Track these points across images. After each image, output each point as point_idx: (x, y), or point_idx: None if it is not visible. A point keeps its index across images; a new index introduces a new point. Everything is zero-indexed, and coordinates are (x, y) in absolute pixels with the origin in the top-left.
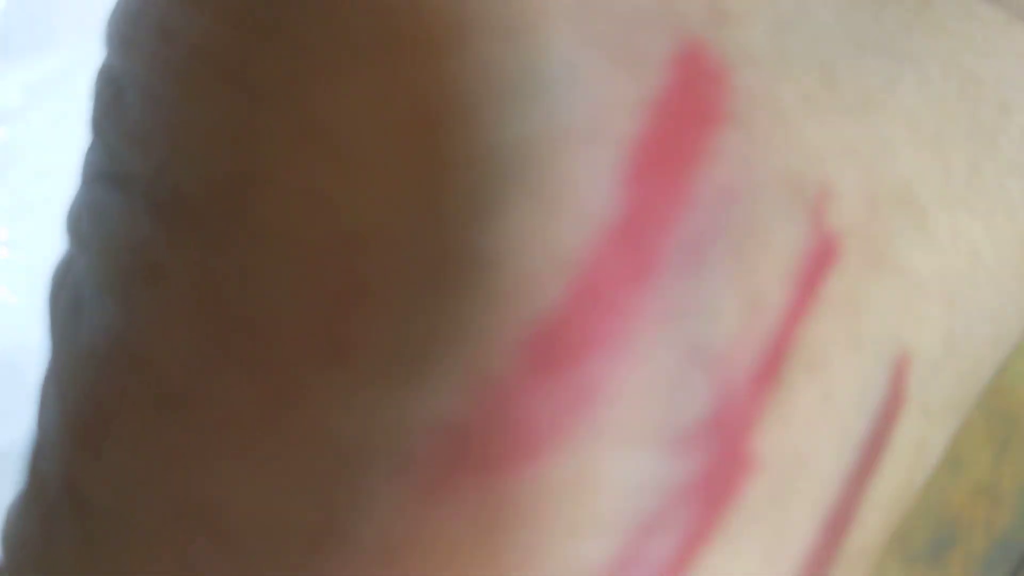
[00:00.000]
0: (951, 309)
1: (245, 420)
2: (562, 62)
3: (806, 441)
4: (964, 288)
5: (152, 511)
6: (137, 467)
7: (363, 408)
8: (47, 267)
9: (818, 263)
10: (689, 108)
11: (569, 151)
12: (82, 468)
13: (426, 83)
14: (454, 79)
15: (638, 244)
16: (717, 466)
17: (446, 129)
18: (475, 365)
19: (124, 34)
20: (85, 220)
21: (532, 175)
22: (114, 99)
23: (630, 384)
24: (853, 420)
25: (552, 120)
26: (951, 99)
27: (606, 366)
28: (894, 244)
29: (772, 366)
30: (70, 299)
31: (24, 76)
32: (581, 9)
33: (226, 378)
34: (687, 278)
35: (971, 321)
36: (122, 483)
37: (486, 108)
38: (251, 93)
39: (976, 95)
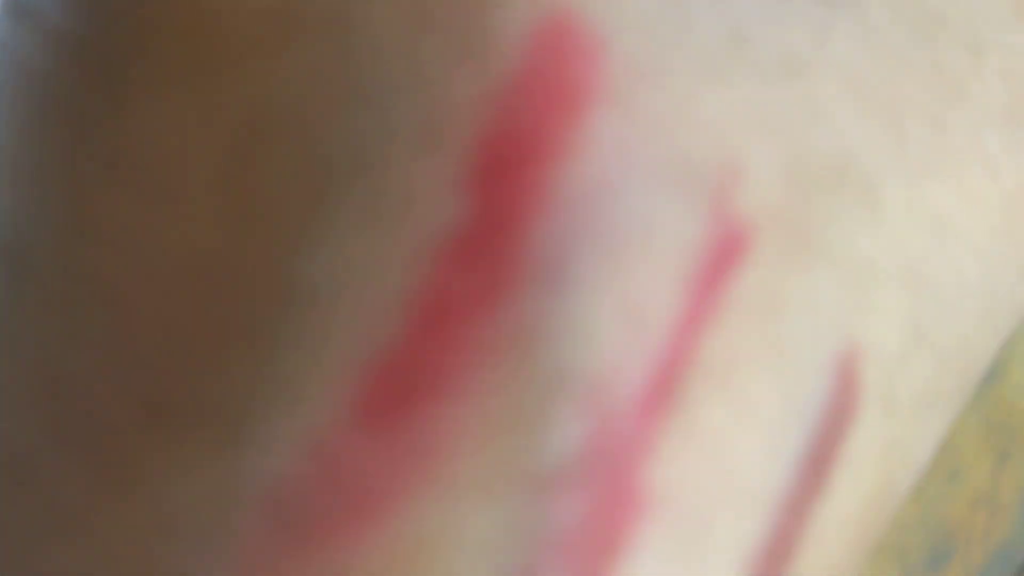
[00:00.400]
0: (915, 294)
1: (77, 498)
2: (396, 57)
3: (718, 468)
4: (931, 269)
5: None
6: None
7: (186, 478)
8: None
9: (721, 260)
10: (548, 93)
11: (404, 161)
12: None
13: (243, 97)
14: (275, 88)
15: (484, 259)
16: (601, 508)
17: (265, 148)
18: (301, 421)
19: None
20: None
21: (362, 192)
22: None
23: (480, 425)
24: (782, 436)
25: (385, 126)
26: (904, 47)
27: (450, 407)
28: (829, 228)
29: (664, 387)
30: None
31: None
32: None
33: (57, 454)
34: (547, 294)
35: (945, 304)
36: None
37: (310, 119)
38: (72, 128)
39: (937, 37)
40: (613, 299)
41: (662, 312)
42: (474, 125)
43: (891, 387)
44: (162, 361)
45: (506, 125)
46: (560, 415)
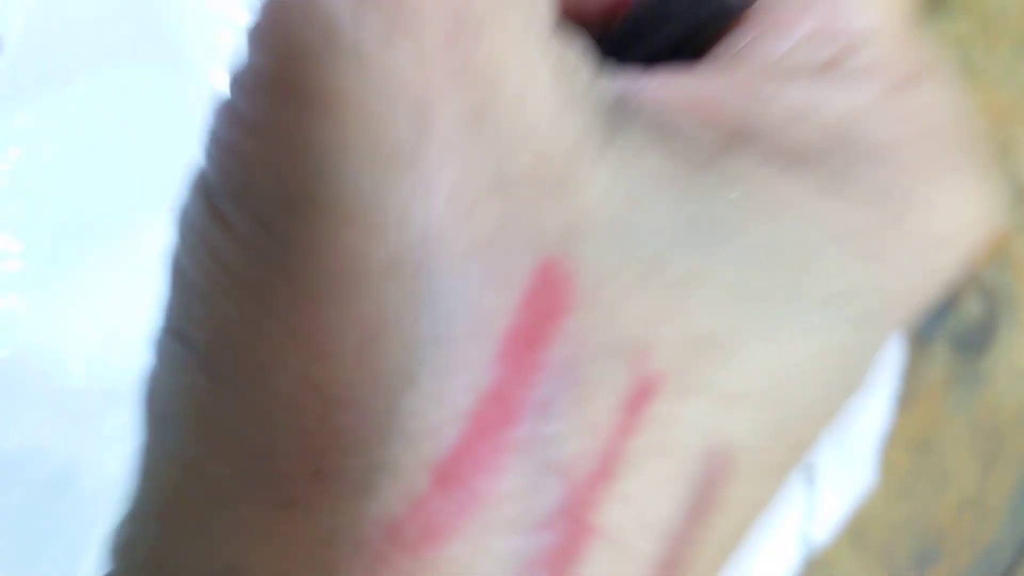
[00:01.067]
0: (766, 407)
1: (264, 518)
2: (454, 288)
3: (636, 515)
4: (776, 392)
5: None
6: (189, 546)
7: (335, 512)
8: (60, 279)
9: (639, 398)
10: (544, 306)
11: (459, 343)
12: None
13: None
14: (382, 314)
15: (507, 403)
16: (566, 539)
17: (388, 340)
18: (404, 484)
19: (177, 227)
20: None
21: (436, 361)
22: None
23: (502, 492)
24: (674, 496)
25: (448, 324)
26: (754, 266)
27: (486, 481)
28: (704, 374)
29: (606, 468)
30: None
31: (42, 103)
32: (471, 244)
33: (252, 490)
34: (541, 421)
35: (787, 412)
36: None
37: (408, 323)
38: (258, 301)
39: (777, 260)
40: (577, 421)
41: (605, 427)
42: (502, 323)
43: (757, 465)
44: (323, 446)
45: (521, 324)
46: (547, 485)
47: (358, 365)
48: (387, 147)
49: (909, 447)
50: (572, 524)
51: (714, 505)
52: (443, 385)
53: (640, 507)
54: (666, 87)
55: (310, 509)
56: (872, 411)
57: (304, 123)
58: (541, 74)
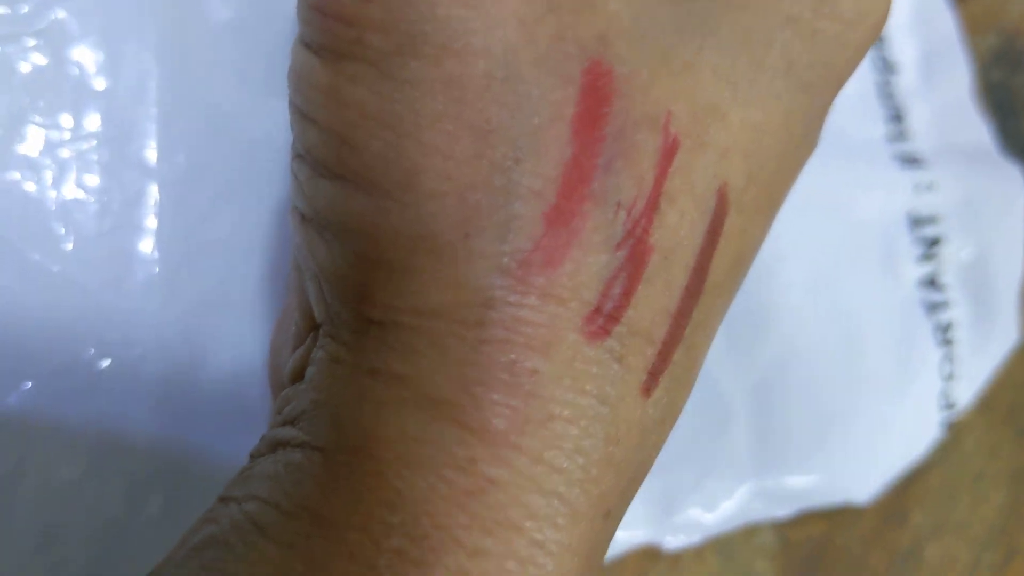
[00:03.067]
0: (747, 156)
1: (433, 271)
2: (532, 91)
3: (674, 235)
4: (753, 144)
5: None
6: None
7: (484, 256)
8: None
9: (667, 153)
10: (595, 95)
11: (543, 131)
12: None
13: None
14: (487, 118)
15: (583, 167)
16: (634, 253)
17: (495, 137)
18: (527, 230)
19: (296, 84)
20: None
21: (531, 146)
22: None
23: (590, 226)
24: (697, 221)
25: (533, 117)
26: (735, 48)
27: (580, 220)
28: (707, 134)
29: (652, 204)
30: None
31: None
32: (538, 56)
33: (421, 259)
34: (606, 176)
35: (762, 159)
36: None
37: (505, 121)
38: (391, 129)
39: (751, 40)
40: (630, 172)
41: (649, 174)
42: (572, 110)
43: (740, 202)
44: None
45: (583, 109)
46: (619, 217)
47: (477, 159)
48: None
49: None
50: (636, 243)
51: (721, 232)
52: (540, 161)
53: (678, 230)
54: None
55: (468, 257)
56: (1012, 268)
57: None
58: None
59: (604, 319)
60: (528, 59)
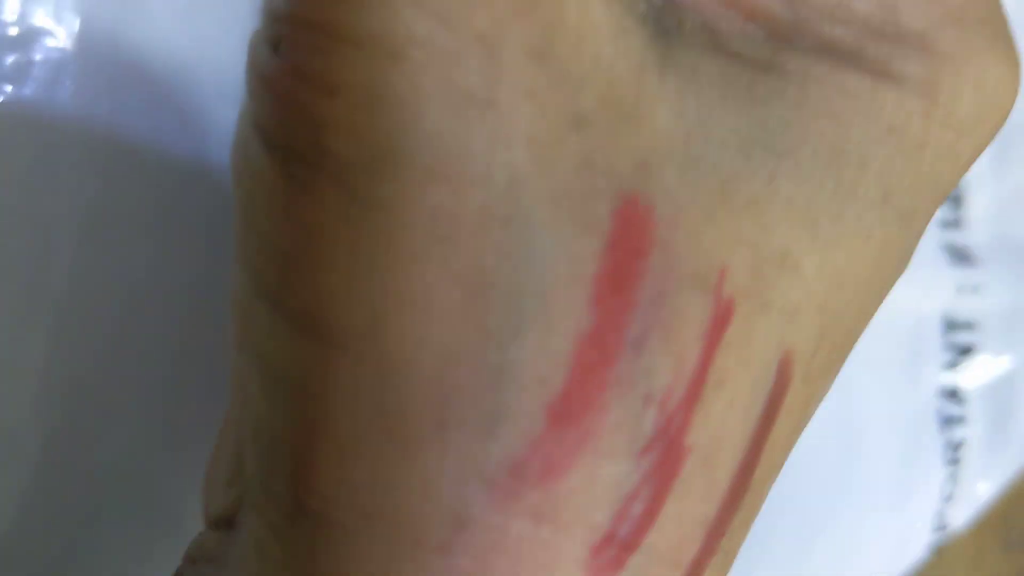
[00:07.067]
0: (822, 312)
1: (394, 467)
2: (544, 236)
3: (719, 430)
4: (831, 297)
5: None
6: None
7: (461, 456)
8: None
9: (719, 323)
10: (629, 245)
11: (556, 292)
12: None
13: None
14: (480, 269)
15: (605, 344)
16: (664, 460)
17: (490, 296)
18: (522, 427)
19: (244, 185)
20: None
21: (537, 311)
22: None
23: (608, 425)
24: (750, 407)
25: (543, 272)
26: (819, 173)
27: (594, 417)
28: (773, 291)
29: (693, 393)
30: None
31: None
32: (555, 189)
33: (378, 445)
34: (636, 357)
35: (839, 313)
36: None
37: (506, 276)
38: (353, 265)
39: (840, 162)
40: (668, 353)
41: (692, 355)
42: (593, 268)
43: (807, 368)
44: (444, 397)
45: (610, 266)
46: (647, 415)
47: (464, 322)
48: (461, 90)
49: None
50: (668, 447)
51: (779, 411)
52: (546, 334)
53: (724, 423)
54: None
55: (441, 456)
56: None
57: (374, 73)
58: None
59: (618, 548)
60: (542, 194)
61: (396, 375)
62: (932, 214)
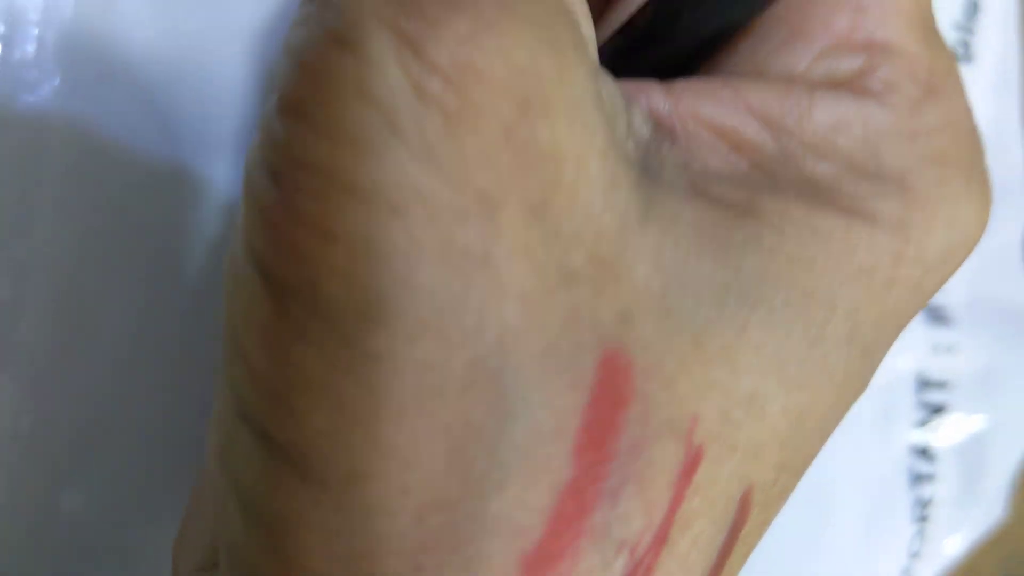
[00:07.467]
0: (783, 447)
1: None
2: (531, 392)
3: (683, 567)
4: (794, 433)
5: None
6: None
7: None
8: None
9: (689, 469)
10: (610, 398)
11: (538, 446)
12: None
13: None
14: (466, 423)
15: (583, 496)
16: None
17: (474, 449)
18: (495, 574)
19: (236, 318)
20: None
21: (519, 465)
22: None
23: (584, 569)
24: (712, 541)
25: (527, 427)
26: (789, 319)
27: (567, 565)
28: (739, 433)
29: (661, 537)
30: None
31: None
32: (543, 345)
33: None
34: (611, 506)
35: (799, 446)
36: None
37: (491, 430)
38: (340, 411)
39: (810, 305)
40: (640, 501)
41: (663, 501)
42: (575, 421)
43: (767, 497)
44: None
45: (591, 419)
46: (618, 561)
47: (447, 473)
48: (458, 247)
49: None
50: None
51: (738, 538)
52: (528, 487)
53: (687, 560)
54: (690, 107)
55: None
56: (1014, 447)
57: (374, 225)
58: (595, 146)
59: None
60: (530, 348)
61: (376, 520)
62: (893, 342)
